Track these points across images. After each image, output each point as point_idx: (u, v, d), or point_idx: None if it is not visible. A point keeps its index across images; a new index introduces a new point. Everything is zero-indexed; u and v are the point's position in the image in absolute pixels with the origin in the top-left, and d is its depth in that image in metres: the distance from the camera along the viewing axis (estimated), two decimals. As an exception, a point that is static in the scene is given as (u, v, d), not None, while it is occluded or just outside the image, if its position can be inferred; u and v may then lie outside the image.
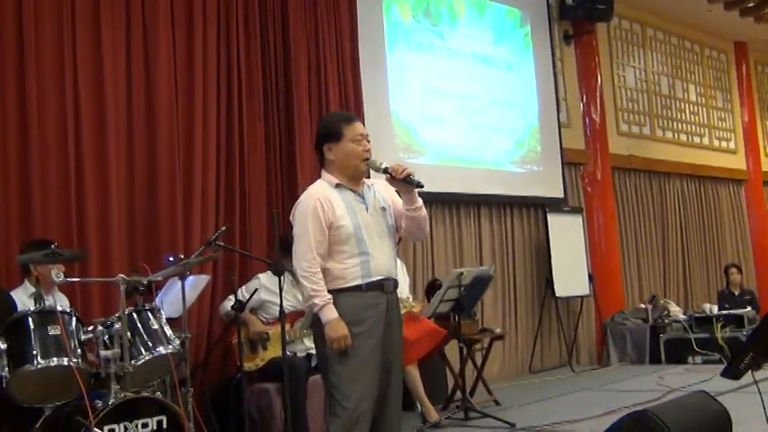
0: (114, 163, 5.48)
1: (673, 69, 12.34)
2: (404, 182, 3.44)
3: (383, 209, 3.56)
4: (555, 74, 9.92)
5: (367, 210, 3.51)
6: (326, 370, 3.43)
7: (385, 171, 3.47)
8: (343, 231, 3.42)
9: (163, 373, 4.38)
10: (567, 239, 9.37)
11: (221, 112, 6.14)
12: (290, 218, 3.55)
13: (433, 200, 7.59)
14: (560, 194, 9.62)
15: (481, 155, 8.78)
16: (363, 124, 3.65)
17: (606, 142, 10.46)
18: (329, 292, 3.39)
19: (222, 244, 4.97)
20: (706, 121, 12.81)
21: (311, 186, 3.58)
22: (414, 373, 5.93)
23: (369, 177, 3.67)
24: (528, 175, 9.30)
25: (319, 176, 3.62)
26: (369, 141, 3.54)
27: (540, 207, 9.43)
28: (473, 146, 8.70)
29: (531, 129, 9.43)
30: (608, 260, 10.10)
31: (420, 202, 3.54)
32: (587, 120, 10.42)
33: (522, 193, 9.17)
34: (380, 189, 3.61)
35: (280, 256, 5.09)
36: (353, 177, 3.53)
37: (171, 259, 4.91)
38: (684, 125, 12.36)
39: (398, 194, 3.56)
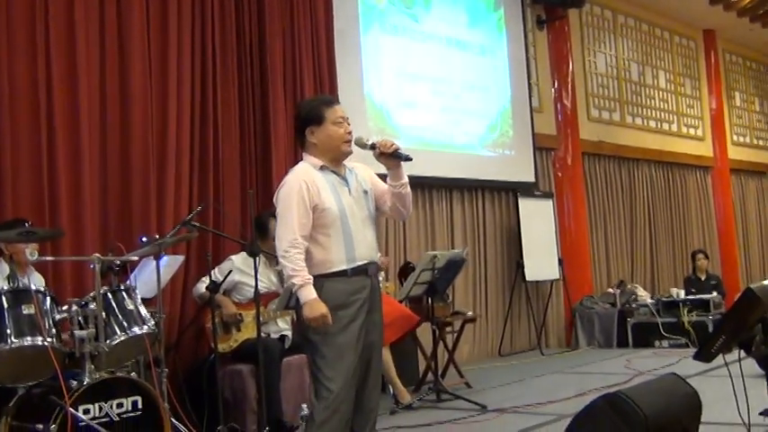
0: (87, 141, 5.42)
1: (643, 56, 12.44)
2: (392, 156, 3.46)
3: (365, 192, 3.58)
4: (528, 58, 9.97)
5: (350, 192, 3.52)
6: (312, 353, 3.44)
7: (372, 147, 3.49)
8: (328, 214, 3.43)
9: (137, 354, 4.37)
10: (538, 224, 9.45)
11: (195, 92, 6.10)
12: (274, 199, 3.55)
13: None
14: (531, 179, 9.70)
15: (454, 139, 8.81)
16: None
17: (577, 128, 10.55)
18: (315, 277, 3.39)
19: (198, 224, 4.95)
20: (675, 108, 12.94)
21: (296, 167, 3.58)
22: (386, 355, 5.94)
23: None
24: (500, 160, 9.35)
25: (296, 158, 3.62)
26: (349, 124, 3.57)
27: (511, 191, 9.49)
28: (446, 129, 8.73)
29: (504, 113, 9.47)
30: (577, 245, 10.20)
31: (406, 178, 3.56)
32: (559, 105, 10.51)
33: (494, 177, 9.23)
34: (361, 172, 3.63)
35: (255, 237, 5.08)
36: (336, 159, 3.55)
37: (144, 239, 4.89)
38: (654, 112, 12.49)
39: (386, 170, 3.55)
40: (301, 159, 3.61)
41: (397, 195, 3.57)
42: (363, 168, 3.65)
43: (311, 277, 3.37)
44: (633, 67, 12.21)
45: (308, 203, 3.41)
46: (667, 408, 3.51)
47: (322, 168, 3.52)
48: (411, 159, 3.46)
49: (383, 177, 3.64)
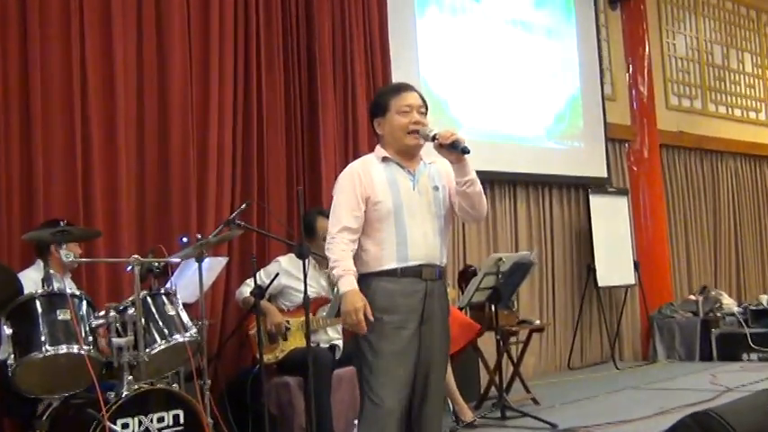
0: (123, 137, 5.48)
1: (727, 37, 12.23)
2: (450, 147, 3.40)
3: (435, 188, 3.54)
4: (599, 41, 9.87)
5: (414, 187, 3.50)
6: (360, 361, 3.44)
7: (433, 138, 3.45)
8: (382, 208, 3.43)
9: (178, 364, 4.40)
10: (611, 223, 9.35)
11: (238, 82, 6.13)
12: (333, 192, 3.59)
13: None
14: (604, 174, 9.60)
15: (518, 130, 8.76)
16: None
17: (654, 117, 10.42)
18: (363, 275, 3.41)
19: (243, 223, 4.98)
20: (763, 95, 12.70)
21: (359, 158, 3.63)
22: (445, 367, 5.93)
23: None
24: (568, 153, 9.27)
25: (346, 153, 3.69)
26: (421, 113, 3.53)
27: (581, 187, 9.42)
28: (509, 120, 8.68)
29: (573, 101, 9.39)
30: (655, 247, 10.07)
31: (473, 174, 3.49)
32: (634, 92, 10.40)
33: (562, 171, 9.15)
34: (440, 167, 3.60)
35: (303, 238, 5.09)
36: (403, 152, 3.54)
37: (185, 240, 4.94)
38: (739, 99, 12.28)
39: (450, 162, 3.51)
40: (359, 154, 3.65)
41: (462, 194, 3.51)
42: (443, 163, 3.59)
43: (354, 269, 3.37)
44: (716, 49, 12.02)
45: (359, 195, 3.43)
46: (765, 428, 3.43)
47: (384, 160, 3.52)
48: (468, 152, 3.40)
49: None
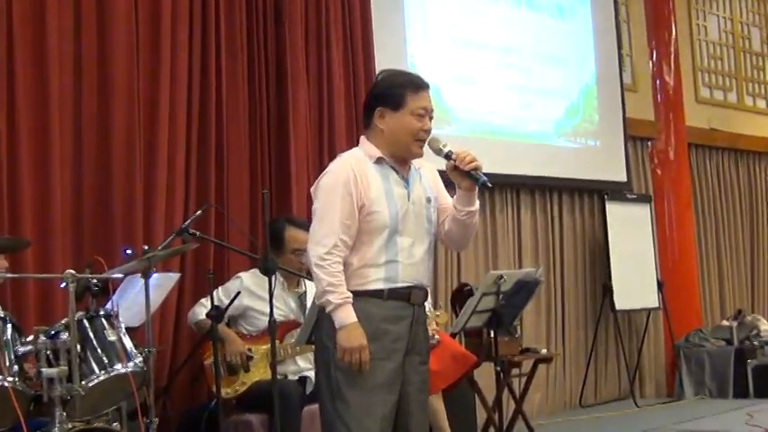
0: (57, 135, 5.44)
1: (766, 19, 12.31)
2: (467, 175, 3.47)
3: (428, 200, 3.60)
4: (618, 23, 9.93)
5: (408, 197, 3.54)
6: (330, 395, 3.45)
7: (447, 157, 3.52)
8: (377, 219, 3.44)
9: (120, 398, 4.37)
10: (631, 236, 9.39)
11: (193, 67, 6.11)
12: (311, 189, 3.59)
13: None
14: (623, 177, 9.64)
15: (523, 125, 8.80)
16: None
17: (681, 112, 10.47)
18: None
19: (198, 232, 4.97)
20: (809, 87, 12.81)
21: (345, 154, 3.64)
22: (436, 404, 5.91)
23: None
24: (582, 152, 9.32)
25: (321, 150, 3.67)
26: (432, 118, 3.59)
27: (596, 193, 9.45)
28: (513, 113, 8.72)
29: (587, 92, 9.44)
30: (682, 263, 10.12)
31: (478, 204, 3.59)
32: (658, 82, 10.44)
33: (575, 174, 9.18)
34: (427, 175, 3.64)
35: (269, 250, 5.08)
36: (399, 157, 3.58)
37: (129, 252, 4.92)
38: (781, 92, 12.39)
39: (457, 187, 3.57)
40: (335, 150, 3.63)
41: (461, 223, 3.59)
42: (431, 170, 3.66)
43: (351, 295, 3.37)
44: (754, 33, 12.12)
45: (355, 201, 3.44)
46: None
47: (378, 161, 3.53)
48: (490, 187, 3.51)
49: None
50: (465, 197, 3.54)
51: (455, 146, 3.69)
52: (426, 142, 3.57)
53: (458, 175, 3.50)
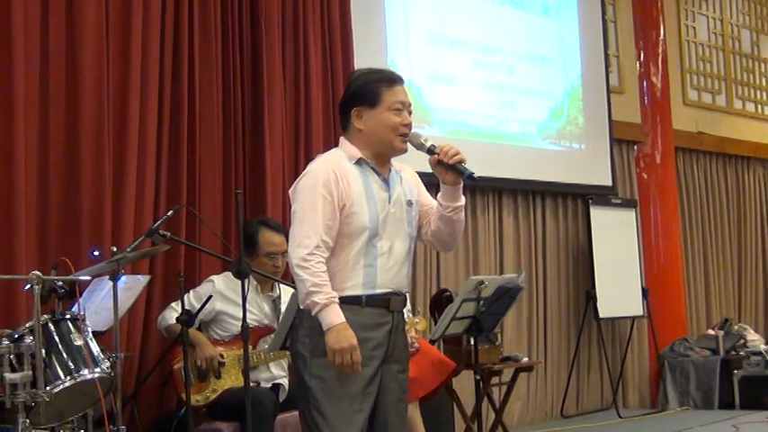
0: (22, 126, 5.40)
1: (757, 21, 12.40)
2: (452, 168, 3.48)
3: (409, 203, 3.61)
4: (604, 22, 9.96)
5: (389, 200, 3.55)
6: (307, 404, 3.46)
7: (429, 151, 3.53)
8: (356, 221, 3.45)
9: (86, 405, 4.36)
10: (616, 242, 9.42)
11: (165, 60, 6.09)
12: (290, 191, 3.59)
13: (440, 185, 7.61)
14: (608, 182, 9.68)
15: (506, 126, 8.82)
16: None
17: (669, 115, 10.51)
18: None
19: (169, 234, 4.96)
20: (799, 91, 12.88)
21: (324, 155, 3.64)
22: (413, 414, 5.92)
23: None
24: (566, 155, 9.36)
25: (296, 148, 3.67)
26: (411, 112, 3.60)
27: (580, 198, 9.49)
28: (494, 114, 8.73)
29: (572, 94, 9.47)
30: (668, 270, 10.17)
31: (463, 200, 3.59)
32: (645, 84, 10.49)
33: (558, 178, 9.21)
34: (408, 177, 3.65)
35: (243, 253, 5.08)
36: (381, 155, 3.59)
37: (96, 253, 4.91)
38: (771, 94, 12.46)
39: (442, 183, 3.59)
40: (312, 150, 3.64)
41: (446, 220, 3.60)
42: (411, 173, 3.68)
43: (336, 295, 3.37)
44: (744, 35, 12.18)
45: (336, 201, 3.45)
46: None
47: (359, 162, 3.55)
48: (476, 180, 3.51)
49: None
50: (450, 192, 3.55)
51: (437, 144, 3.72)
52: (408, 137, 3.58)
53: (442, 169, 3.52)
